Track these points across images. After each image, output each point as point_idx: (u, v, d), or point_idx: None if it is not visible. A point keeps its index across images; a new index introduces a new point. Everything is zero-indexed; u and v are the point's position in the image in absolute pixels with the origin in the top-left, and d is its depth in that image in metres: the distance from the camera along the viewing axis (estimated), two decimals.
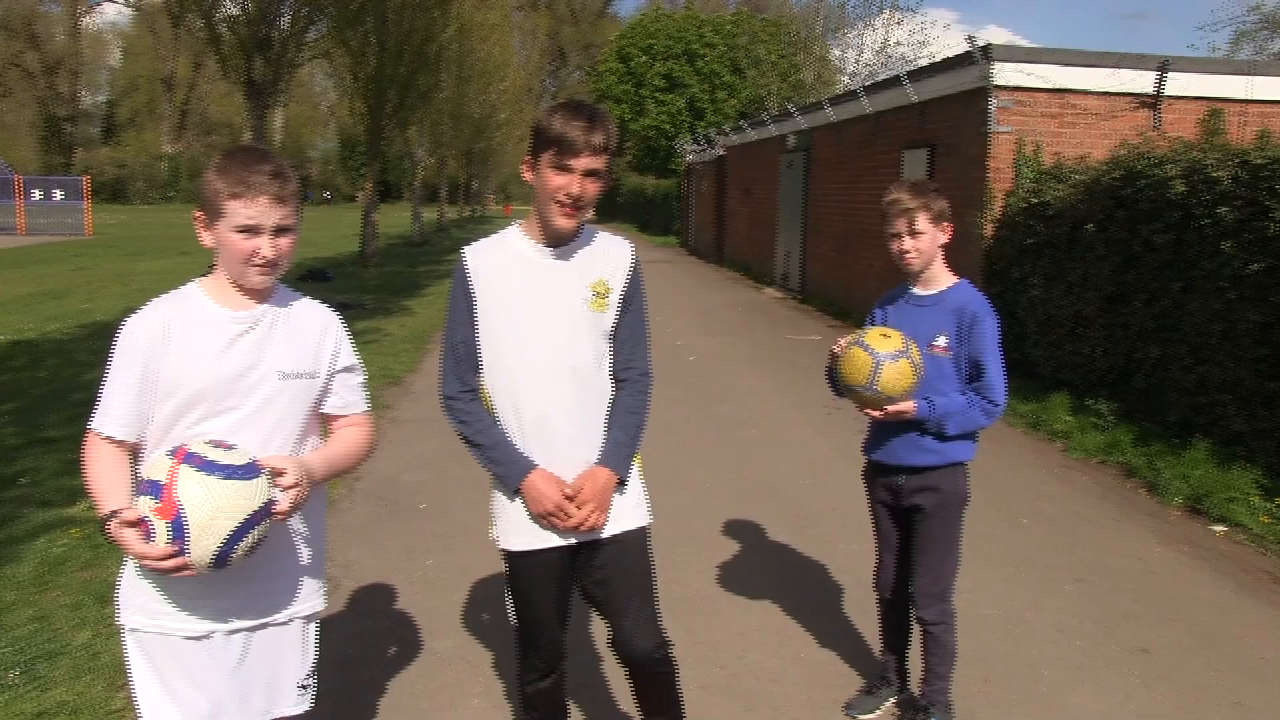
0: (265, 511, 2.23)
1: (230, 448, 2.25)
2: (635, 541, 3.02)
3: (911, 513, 3.77)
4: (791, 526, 6.29)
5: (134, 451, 2.44)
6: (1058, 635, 4.82)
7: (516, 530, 2.94)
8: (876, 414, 3.57)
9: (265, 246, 2.40)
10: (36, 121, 76.92)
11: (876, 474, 3.86)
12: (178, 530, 2.14)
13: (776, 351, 13.16)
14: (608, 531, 2.95)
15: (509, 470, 2.90)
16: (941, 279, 3.71)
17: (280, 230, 2.42)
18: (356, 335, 12.02)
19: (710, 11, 53.11)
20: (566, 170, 2.75)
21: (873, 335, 3.45)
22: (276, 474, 2.32)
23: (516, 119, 54.78)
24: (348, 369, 2.67)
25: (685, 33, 42.76)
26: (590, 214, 2.92)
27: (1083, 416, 8.79)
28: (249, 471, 2.21)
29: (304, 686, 2.67)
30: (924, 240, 3.59)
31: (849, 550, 5.76)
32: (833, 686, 4.26)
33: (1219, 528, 6.43)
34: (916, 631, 3.86)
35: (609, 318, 2.95)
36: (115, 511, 2.22)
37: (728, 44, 40.78)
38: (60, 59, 76.22)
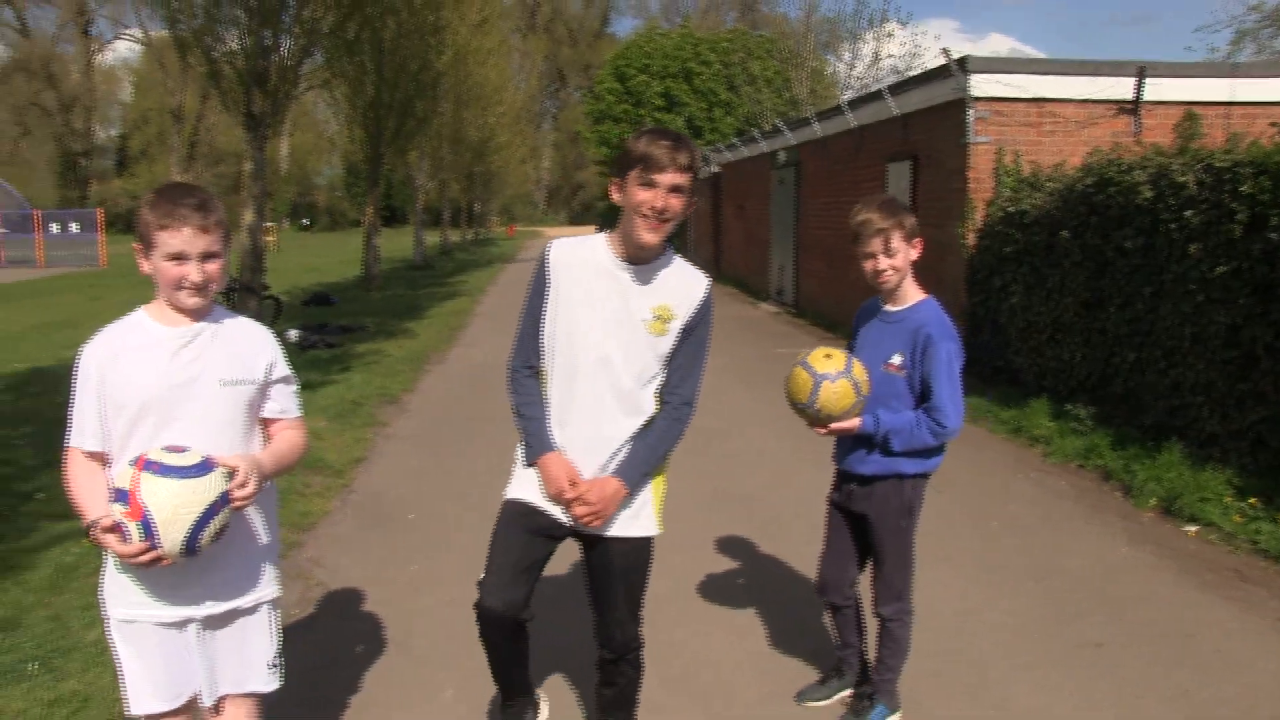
0: (223, 501, 2.50)
1: (183, 450, 2.51)
2: (630, 548, 3.20)
3: (861, 519, 3.91)
4: (759, 532, 6.36)
5: (105, 461, 2.71)
6: (1010, 633, 4.88)
7: (519, 485, 3.22)
8: (822, 431, 3.71)
9: (193, 272, 2.64)
10: (54, 157, 77.86)
11: (839, 480, 4.01)
12: (147, 528, 2.43)
13: (763, 366, 13.18)
14: (606, 532, 3.16)
15: (534, 444, 3.16)
16: (909, 295, 3.80)
17: (207, 256, 2.66)
18: (357, 357, 12.19)
19: (707, 29, 53.22)
20: (651, 185, 2.97)
21: (815, 355, 3.61)
22: (229, 471, 2.56)
23: (516, 141, 54.83)
24: (284, 379, 2.90)
25: (681, 51, 42.59)
26: (671, 229, 3.10)
27: (1062, 421, 8.83)
28: (201, 469, 2.48)
29: (273, 666, 2.94)
30: (899, 259, 3.69)
31: (814, 552, 5.73)
32: (787, 679, 4.37)
33: (1190, 528, 6.46)
34: (873, 624, 3.99)
35: (667, 342, 3.13)
36: (96, 520, 2.54)
37: (723, 61, 40.73)
38: (75, 96, 77.03)
